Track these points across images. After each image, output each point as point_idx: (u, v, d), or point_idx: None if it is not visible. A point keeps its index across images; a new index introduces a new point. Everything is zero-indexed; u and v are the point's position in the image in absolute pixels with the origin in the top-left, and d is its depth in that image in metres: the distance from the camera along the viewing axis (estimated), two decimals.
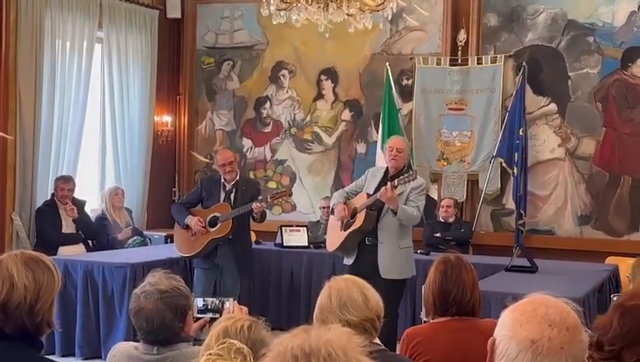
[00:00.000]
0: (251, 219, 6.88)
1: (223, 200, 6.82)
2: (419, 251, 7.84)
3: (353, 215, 6.24)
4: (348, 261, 6.32)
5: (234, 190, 6.84)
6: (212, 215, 6.81)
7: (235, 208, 6.73)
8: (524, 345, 1.76)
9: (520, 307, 1.83)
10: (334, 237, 6.41)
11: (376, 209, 6.10)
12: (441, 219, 8.48)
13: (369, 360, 1.26)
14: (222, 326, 2.26)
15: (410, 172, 6.04)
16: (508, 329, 1.80)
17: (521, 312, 1.80)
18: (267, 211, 8.33)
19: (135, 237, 8.38)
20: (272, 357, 1.25)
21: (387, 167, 6.29)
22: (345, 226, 6.26)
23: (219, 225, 6.75)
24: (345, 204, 6.31)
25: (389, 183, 5.88)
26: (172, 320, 2.89)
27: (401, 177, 5.94)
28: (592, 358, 1.93)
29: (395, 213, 5.94)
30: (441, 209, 8.53)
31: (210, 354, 2.09)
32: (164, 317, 2.88)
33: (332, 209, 6.41)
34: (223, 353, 2.08)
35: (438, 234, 8.21)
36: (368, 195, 6.16)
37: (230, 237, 6.76)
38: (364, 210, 6.11)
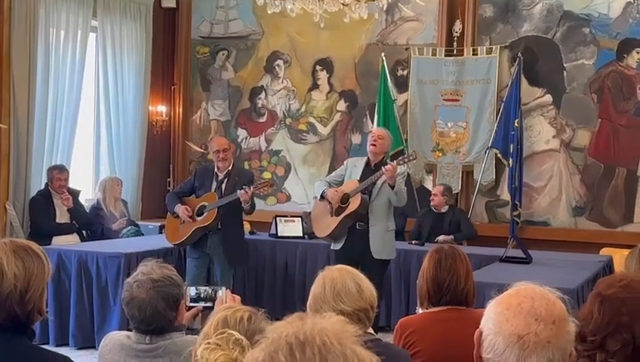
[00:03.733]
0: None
1: (214, 190, 6.83)
2: (413, 241, 7.87)
3: (344, 200, 6.38)
4: (336, 246, 6.53)
5: (225, 180, 6.83)
6: (200, 204, 6.83)
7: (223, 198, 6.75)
8: (511, 340, 1.76)
9: (505, 300, 1.82)
10: (324, 224, 6.56)
11: (367, 193, 6.34)
12: (434, 209, 8.38)
13: (363, 349, 1.25)
14: (221, 316, 2.24)
15: (410, 153, 6.55)
16: (494, 323, 1.80)
17: (506, 306, 1.80)
18: (262, 201, 8.36)
19: (129, 227, 8.36)
20: (267, 344, 1.24)
21: (367, 157, 6.54)
22: (336, 212, 6.36)
23: (204, 214, 6.76)
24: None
25: (394, 162, 6.19)
26: (165, 309, 2.88)
27: (401, 158, 6.35)
28: (576, 350, 1.92)
29: (393, 187, 6.19)
30: (433, 197, 8.44)
31: (208, 343, 2.08)
32: (157, 306, 2.87)
33: (320, 196, 6.56)
34: (221, 343, 2.07)
35: (440, 238, 7.84)
36: (359, 181, 6.36)
37: (219, 226, 6.75)
38: (359, 194, 6.30)
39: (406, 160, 6.32)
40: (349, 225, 6.41)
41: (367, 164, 6.49)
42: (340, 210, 6.40)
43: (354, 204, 6.33)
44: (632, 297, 2.09)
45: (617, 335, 2.04)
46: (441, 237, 7.81)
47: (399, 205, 6.53)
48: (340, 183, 6.56)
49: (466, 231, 8.21)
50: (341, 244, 6.45)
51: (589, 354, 2.04)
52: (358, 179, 6.40)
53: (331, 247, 6.63)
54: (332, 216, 6.44)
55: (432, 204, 8.36)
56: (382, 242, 6.33)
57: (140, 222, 8.84)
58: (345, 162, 6.85)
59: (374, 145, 6.46)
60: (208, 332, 2.18)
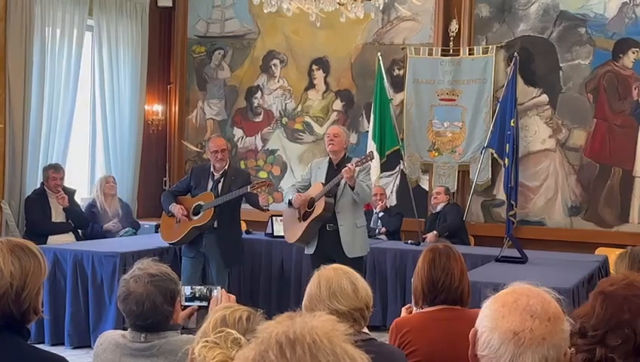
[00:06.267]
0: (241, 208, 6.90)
1: (210, 189, 6.83)
2: (409, 241, 7.89)
3: (310, 205, 6.46)
4: (309, 250, 6.60)
5: (222, 179, 6.83)
6: (197, 203, 6.82)
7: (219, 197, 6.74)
8: (507, 336, 1.76)
9: (501, 298, 1.83)
10: (293, 230, 6.63)
11: (332, 195, 6.41)
12: (432, 210, 8.49)
13: (354, 348, 1.25)
14: (220, 315, 2.24)
15: (367, 154, 6.58)
16: (489, 320, 1.80)
17: (502, 304, 1.81)
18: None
19: (127, 229, 8.34)
20: (257, 344, 1.24)
21: (330, 157, 6.60)
22: (303, 217, 6.44)
23: (201, 213, 6.75)
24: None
25: (352, 163, 6.23)
26: (162, 303, 2.88)
27: (358, 160, 6.34)
28: (576, 346, 1.94)
29: (353, 188, 6.24)
30: (432, 197, 8.55)
31: (206, 341, 2.08)
32: (155, 301, 2.87)
33: (289, 202, 6.63)
34: (219, 342, 2.07)
35: (429, 236, 8.03)
36: (323, 184, 6.43)
37: (215, 226, 6.75)
38: (323, 197, 6.38)
39: (364, 161, 6.35)
40: (318, 228, 6.47)
41: (330, 163, 6.57)
42: (307, 214, 6.49)
43: (319, 207, 6.41)
44: (634, 295, 2.12)
45: (618, 331, 2.06)
46: (429, 235, 7.96)
47: (364, 203, 6.64)
48: (308, 187, 6.63)
49: (449, 221, 8.23)
50: (314, 248, 6.52)
51: (589, 349, 2.05)
52: (323, 180, 6.48)
53: (305, 252, 6.71)
54: (300, 221, 6.53)
55: (432, 202, 8.46)
56: (352, 240, 6.39)
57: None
58: (309, 165, 6.92)
59: (332, 143, 6.53)
60: (206, 330, 2.18)
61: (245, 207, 7.02)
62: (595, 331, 2.07)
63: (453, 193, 8.84)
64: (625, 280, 2.18)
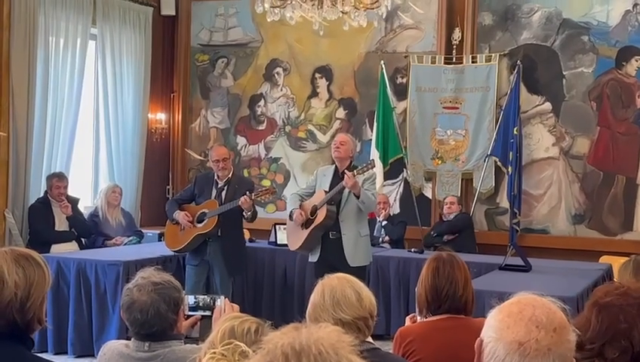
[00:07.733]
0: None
1: (214, 198, 6.83)
2: (413, 249, 7.88)
3: (313, 212, 6.48)
4: (313, 258, 6.60)
5: (226, 187, 6.84)
6: (201, 211, 6.83)
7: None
8: (512, 347, 1.76)
9: (506, 308, 1.82)
10: (296, 237, 6.64)
11: (335, 203, 6.42)
12: (444, 218, 8.50)
13: (359, 359, 1.25)
14: (228, 326, 2.23)
15: (368, 162, 6.57)
16: (495, 330, 1.80)
17: (507, 314, 1.80)
18: (262, 209, 8.34)
19: (131, 238, 8.34)
20: (262, 355, 1.24)
21: (335, 165, 6.62)
22: (305, 224, 6.48)
23: (205, 221, 6.76)
24: (300, 207, 6.57)
25: (353, 172, 6.24)
26: (166, 311, 2.88)
27: (359, 168, 6.37)
28: (574, 359, 1.93)
29: (358, 197, 6.26)
30: (444, 206, 8.55)
31: (214, 352, 2.08)
32: (159, 308, 2.86)
33: (290, 215, 6.63)
34: (227, 354, 2.07)
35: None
36: (326, 192, 6.44)
37: (219, 234, 6.75)
38: (325, 205, 6.39)
39: (364, 169, 6.36)
40: (321, 236, 6.48)
41: (336, 171, 6.58)
42: (309, 222, 6.49)
43: (320, 215, 6.42)
44: (630, 304, 2.10)
45: (616, 342, 2.05)
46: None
47: (369, 211, 6.65)
48: (312, 194, 6.63)
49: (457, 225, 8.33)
50: (317, 255, 6.52)
51: None
52: (327, 188, 6.48)
53: (309, 260, 6.71)
54: (302, 228, 6.55)
55: (446, 211, 8.48)
56: (355, 249, 6.39)
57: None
58: (314, 172, 6.93)
59: (338, 151, 6.55)
60: (214, 341, 2.18)
61: None
62: (592, 344, 2.05)
63: None
64: (619, 289, 2.17)
